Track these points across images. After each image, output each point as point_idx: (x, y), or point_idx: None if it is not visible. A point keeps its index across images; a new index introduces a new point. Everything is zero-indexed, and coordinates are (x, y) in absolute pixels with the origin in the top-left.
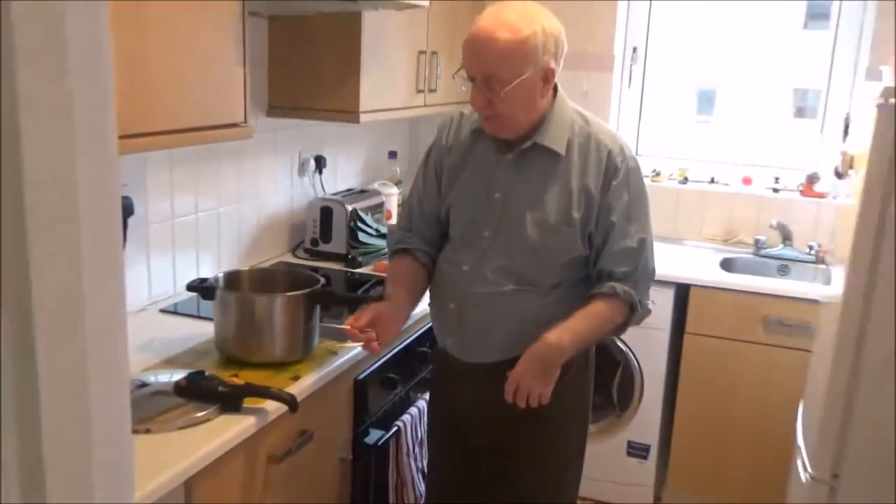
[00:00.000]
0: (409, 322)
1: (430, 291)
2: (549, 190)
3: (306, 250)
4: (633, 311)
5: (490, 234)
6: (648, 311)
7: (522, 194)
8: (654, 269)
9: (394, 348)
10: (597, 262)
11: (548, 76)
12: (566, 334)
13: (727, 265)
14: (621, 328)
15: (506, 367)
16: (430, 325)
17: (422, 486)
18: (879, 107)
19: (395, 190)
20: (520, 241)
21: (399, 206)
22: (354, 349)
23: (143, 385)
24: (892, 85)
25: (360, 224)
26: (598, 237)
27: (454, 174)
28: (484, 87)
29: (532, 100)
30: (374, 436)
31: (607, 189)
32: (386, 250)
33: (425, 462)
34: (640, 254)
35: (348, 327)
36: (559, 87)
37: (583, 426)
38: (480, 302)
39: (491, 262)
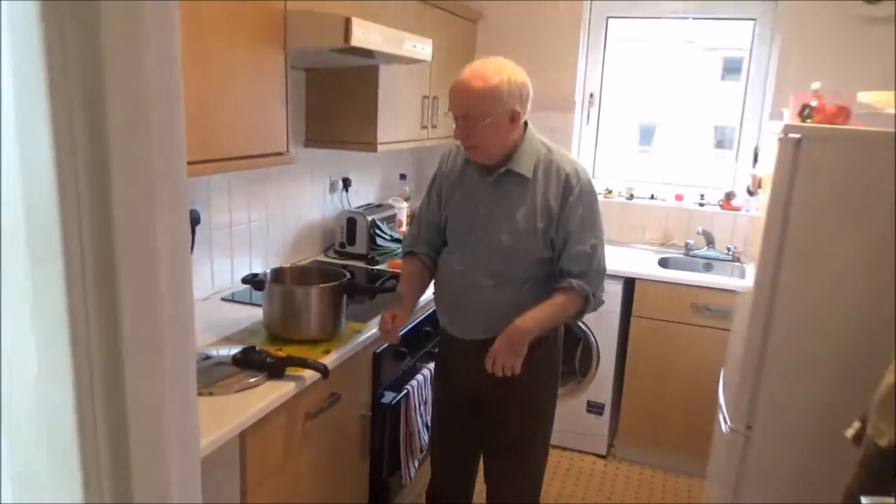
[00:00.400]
0: (416, 308)
1: (434, 284)
2: (519, 206)
3: (335, 251)
4: (587, 302)
5: (475, 240)
6: (601, 302)
7: (499, 209)
8: (604, 268)
9: (404, 328)
10: (558, 263)
11: (513, 117)
12: (531, 320)
13: (664, 263)
14: (578, 315)
15: (490, 344)
16: (433, 310)
17: (426, 437)
18: (780, 140)
19: (404, 204)
20: (497, 245)
21: (408, 216)
22: (373, 331)
23: (207, 357)
24: (790, 123)
25: (377, 231)
26: (559, 242)
27: (450, 193)
28: (463, 123)
29: (500, 134)
30: (389, 397)
31: (565, 204)
32: (397, 251)
33: (429, 417)
34: (593, 256)
35: (387, 328)
36: (529, 124)
37: (553, 390)
38: (469, 294)
39: (476, 262)
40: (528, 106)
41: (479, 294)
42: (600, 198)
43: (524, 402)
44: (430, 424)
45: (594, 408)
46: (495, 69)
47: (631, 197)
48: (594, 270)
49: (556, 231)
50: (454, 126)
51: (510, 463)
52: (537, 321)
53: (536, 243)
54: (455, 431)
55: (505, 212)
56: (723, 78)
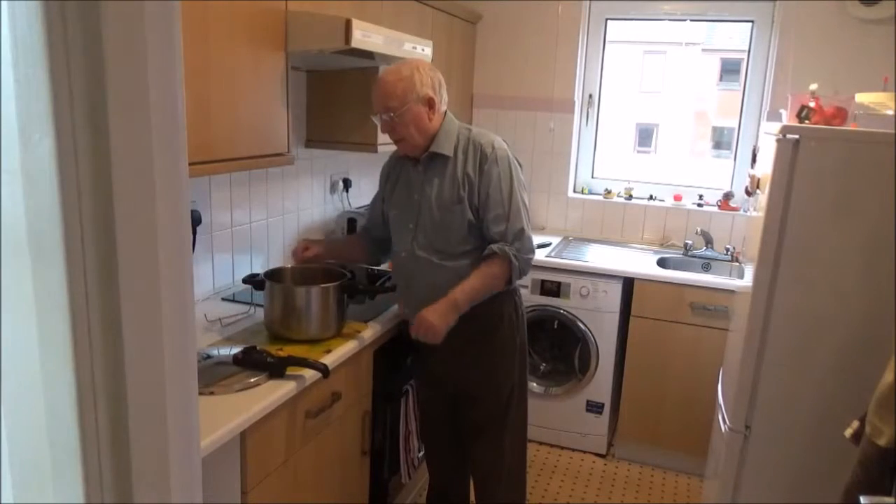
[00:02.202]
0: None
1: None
2: (445, 181)
3: None
4: (511, 265)
5: (413, 226)
6: (527, 262)
7: (429, 190)
8: (523, 229)
9: (404, 328)
10: (486, 231)
11: (430, 103)
12: (461, 294)
13: (663, 263)
14: (510, 281)
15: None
16: None
17: None
18: (778, 141)
19: None
20: (430, 219)
21: None
22: (373, 330)
23: (208, 357)
24: (788, 124)
25: None
26: (481, 210)
27: (391, 192)
28: (387, 119)
29: (421, 121)
30: (389, 396)
31: (481, 171)
32: None
33: None
34: (509, 217)
35: (299, 250)
36: (448, 113)
37: (520, 368)
38: (416, 275)
39: (416, 244)
40: (444, 95)
41: (423, 273)
42: (599, 198)
43: (492, 380)
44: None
45: (593, 407)
46: (406, 66)
47: (630, 197)
48: (512, 230)
49: (476, 199)
50: (376, 122)
51: (487, 447)
52: (468, 294)
53: (463, 212)
54: (438, 423)
55: (434, 189)
56: (721, 79)
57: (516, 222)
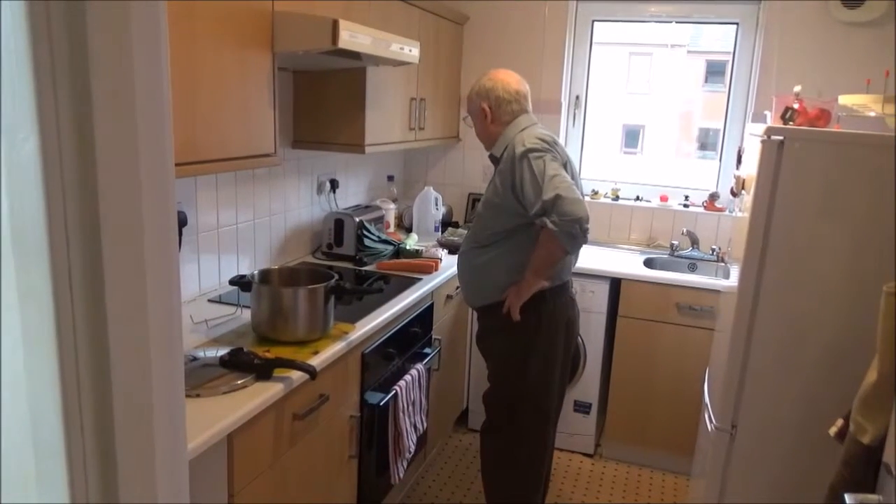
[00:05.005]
0: (404, 309)
1: None
2: (493, 181)
3: (323, 252)
4: (553, 231)
5: (475, 215)
6: (569, 225)
7: (487, 187)
8: (557, 196)
9: (392, 329)
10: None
11: (484, 114)
12: (529, 273)
13: (649, 263)
14: (568, 243)
15: (482, 312)
16: (420, 311)
17: (414, 437)
18: (763, 142)
19: (392, 205)
20: (477, 214)
21: (396, 218)
22: (360, 331)
23: (194, 359)
24: (772, 125)
25: (365, 232)
26: (522, 198)
27: None
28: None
29: (481, 124)
30: (377, 397)
31: (513, 175)
32: (385, 252)
33: (417, 418)
34: (542, 192)
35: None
36: (516, 121)
37: (535, 378)
38: (460, 261)
39: (468, 234)
40: (503, 107)
41: (462, 261)
42: (587, 199)
43: (494, 379)
44: (416, 425)
45: (581, 407)
46: (484, 77)
47: (616, 198)
48: (546, 203)
49: (512, 196)
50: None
51: (482, 436)
52: (531, 271)
53: (499, 209)
54: None
55: (487, 189)
56: (706, 80)
57: (548, 192)
